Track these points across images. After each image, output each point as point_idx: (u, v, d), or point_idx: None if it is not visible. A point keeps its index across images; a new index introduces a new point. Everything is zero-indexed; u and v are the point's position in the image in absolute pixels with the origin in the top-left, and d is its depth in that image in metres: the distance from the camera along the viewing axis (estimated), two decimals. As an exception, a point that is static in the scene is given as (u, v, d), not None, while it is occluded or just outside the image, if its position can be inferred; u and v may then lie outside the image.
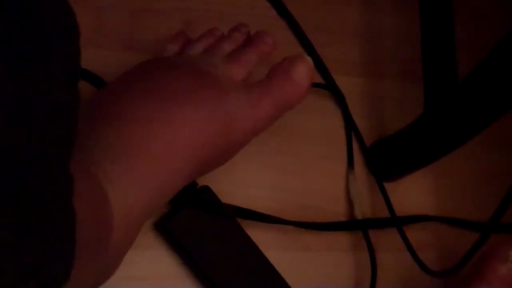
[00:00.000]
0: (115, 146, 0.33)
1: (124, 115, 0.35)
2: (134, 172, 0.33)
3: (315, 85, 0.51)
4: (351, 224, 0.48)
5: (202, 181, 0.45)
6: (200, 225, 0.43)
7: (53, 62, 0.22)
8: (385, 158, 0.50)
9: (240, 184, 0.47)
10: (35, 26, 0.21)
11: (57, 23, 0.23)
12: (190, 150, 0.36)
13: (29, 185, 0.20)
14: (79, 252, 0.22)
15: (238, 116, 0.38)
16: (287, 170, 0.49)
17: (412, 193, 0.51)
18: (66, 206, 0.22)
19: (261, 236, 0.45)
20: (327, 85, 0.51)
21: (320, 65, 0.52)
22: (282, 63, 0.41)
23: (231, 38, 0.43)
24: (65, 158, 0.22)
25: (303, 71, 0.41)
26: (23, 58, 0.20)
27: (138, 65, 0.40)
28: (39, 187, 0.20)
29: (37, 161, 0.20)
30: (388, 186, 0.50)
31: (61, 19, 0.23)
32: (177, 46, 0.43)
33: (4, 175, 0.19)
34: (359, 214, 0.49)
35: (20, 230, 0.19)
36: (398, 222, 0.48)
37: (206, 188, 0.44)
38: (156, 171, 0.34)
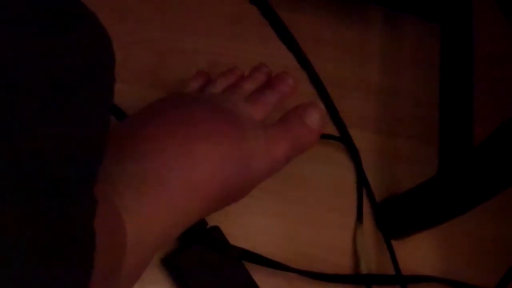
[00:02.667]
0: (134, 176, 0.33)
1: (144, 146, 0.36)
2: (149, 202, 0.33)
3: (330, 137, 0.51)
4: (356, 278, 0.48)
5: (212, 222, 0.45)
6: (207, 264, 0.43)
7: (91, 87, 0.23)
8: (395, 216, 0.50)
9: (249, 228, 0.47)
10: (77, 57, 0.22)
11: (96, 53, 0.24)
12: (207, 185, 0.36)
13: (56, 202, 0.20)
14: (92, 278, 0.23)
15: (256, 154, 0.39)
16: (296, 219, 0.49)
17: (419, 252, 0.51)
18: (88, 228, 0.22)
19: (266, 282, 0.45)
20: (342, 138, 0.52)
21: (336, 118, 0.53)
22: (296, 109, 0.43)
23: (252, 78, 0.45)
24: (92, 179, 0.22)
25: (316, 117, 0.43)
26: (63, 82, 0.21)
27: (160, 99, 0.41)
28: (65, 205, 0.20)
29: (66, 179, 0.20)
30: (395, 243, 0.50)
31: (100, 49, 0.24)
32: (199, 83, 0.44)
33: (33, 189, 0.19)
34: (364, 269, 0.48)
35: (41, 247, 0.19)
36: (403, 281, 0.48)
37: (216, 229, 0.44)
38: (171, 203, 0.34)
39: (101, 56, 0.24)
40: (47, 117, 0.20)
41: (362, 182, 0.51)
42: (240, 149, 0.38)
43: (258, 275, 0.45)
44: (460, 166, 0.44)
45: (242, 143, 0.38)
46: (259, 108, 0.42)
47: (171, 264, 0.43)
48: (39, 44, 0.21)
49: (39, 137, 0.20)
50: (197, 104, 0.40)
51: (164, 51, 0.51)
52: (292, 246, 0.48)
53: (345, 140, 0.52)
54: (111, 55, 0.24)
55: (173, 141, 0.36)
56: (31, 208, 0.19)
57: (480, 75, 0.50)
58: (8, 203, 0.18)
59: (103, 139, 0.23)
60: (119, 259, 0.30)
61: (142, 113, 0.39)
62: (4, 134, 0.18)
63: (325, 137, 0.51)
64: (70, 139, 0.21)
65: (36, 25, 0.21)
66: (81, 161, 0.22)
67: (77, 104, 0.22)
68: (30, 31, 0.20)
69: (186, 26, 0.52)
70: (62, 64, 0.21)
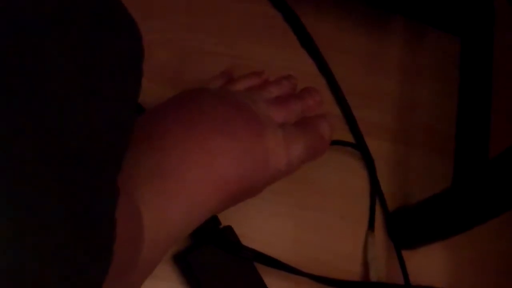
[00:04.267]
0: (151, 169, 0.34)
1: (162, 139, 0.36)
2: (166, 196, 0.33)
3: (346, 143, 0.52)
4: (365, 286, 0.49)
5: (225, 222, 0.45)
6: (218, 263, 0.43)
7: (119, 79, 0.23)
8: (406, 226, 0.51)
9: (261, 230, 0.48)
10: (108, 47, 0.23)
11: (127, 45, 0.24)
12: (224, 180, 0.37)
13: (80, 190, 0.20)
14: (110, 269, 0.23)
15: (274, 151, 0.39)
16: (309, 224, 0.49)
17: (429, 263, 0.51)
18: (110, 219, 0.22)
19: (276, 284, 0.45)
20: (358, 146, 0.52)
21: (353, 126, 0.53)
22: (309, 118, 0.44)
23: (278, 84, 0.45)
24: (116, 169, 0.23)
25: (328, 127, 0.44)
26: (93, 71, 0.22)
27: (181, 93, 0.41)
28: (89, 193, 0.21)
29: (91, 167, 0.21)
30: (405, 253, 0.50)
31: (131, 42, 0.25)
32: (221, 81, 0.45)
33: (59, 175, 0.19)
34: (374, 277, 0.49)
35: (63, 234, 0.20)
36: (412, 291, 0.48)
37: (229, 228, 0.45)
38: (188, 197, 0.35)
39: (132, 48, 0.24)
40: (76, 105, 0.21)
41: (375, 190, 0.52)
42: (258, 145, 0.38)
43: (269, 277, 0.45)
44: (474, 179, 0.45)
45: (261, 140, 0.39)
46: (280, 112, 0.42)
47: (182, 261, 0.43)
48: (71, 34, 0.21)
49: (67, 125, 0.20)
50: (217, 99, 0.40)
51: (186, 51, 0.51)
52: (303, 250, 0.48)
53: (361, 148, 0.52)
54: (141, 48, 0.25)
55: (191, 135, 0.36)
56: (55, 192, 0.19)
57: (498, 89, 0.51)
58: (34, 186, 0.19)
59: (129, 129, 0.24)
60: (136, 252, 0.30)
61: (162, 106, 0.40)
62: (34, 121, 0.19)
63: (340, 143, 0.51)
64: (97, 128, 0.21)
65: (67, 17, 0.21)
66: (107, 150, 0.22)
67: (106, 94, 0.22)
68: (61, 23, 0.21)
69: (208, 28, 0.53)
70: (93, 52, 0.22)
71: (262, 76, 0.46)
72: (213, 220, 0.45)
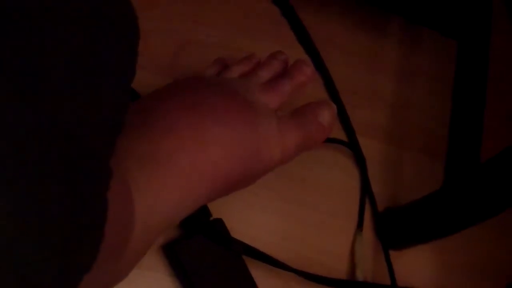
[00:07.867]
0: (145, 154, 0.34)
1: (158, 124, 0.36)
2: (159, 181, 0.33)
3: (338, 141, 0.52)
4: (351, 284, 0.49)
5: (216, 214, 0.45)
6: (207, 255, 0.43)
7: (114, 59, 0.23)
8: (395, 227, 0.51)
9: (251, 224, 0.48)
10: (105, 38, 0.23)
11: (123, 30, 0.24)
12: (217, 168, 0.36)
13: (73, 169, 0.20)
14: (100, 252, 0.23)
15: (268, 141, 0.39)
16: (298, 220, 0.49)
17: (416, 265, 0.51)
18: (102, 198, 0.22)
19: (263, 278, 0.45)
20: (350, 144, 0.52)
21: (346, 124, 0.53)
22: (309, 105, 0.43)
23: (269, 65, 0.44)
24: (110, 150, 0.23)
25: (328, 115, 0.43)
26: (89, 49, 0.21)
27: (177, 80, 0.41)
28: (82, 173, 0.21)
29: (86, 147, 0.21)
30: (393, 253, 0.50)
31: (126, 22, 0.24)
32: (216, 69, 0.45)
33: (53, 154, 0.19)
34: (360, 276, 0.49)
35: (55, 213, 0.19)
36: (398, 291, 0.48)
37: (219, 221, 0.45)
38: (181, 184, 0.34)
39: (127, 28, 0.24)
40: (70, 86, 0.20)
41: (365, 190, 0.52)
42: (252, 135, 0.38)
43: (256, 270, 0.45)
44: (465, 183, 0.45)
45: (255, 129, 0.38)
46: (274, 96, 0.42)
47: (171, 251, 0.43)
48: (69, 14, 0.21)
49: (61, 106, 0.20)
50: (212, 88, 0.40)
51: (181, 41, 0.51)
52: (291, 246, 0.48)
53: (353, 147, 0.52)
54: (136, 28, 0.25)
55: (186, 123, 0.36)
56: (49, 170, 0.19)
57: (492, 92, 0.51)
58: (30, 164, 0.18)
59: (122, 112, 0.24)
60: (126, 236, 0.30)
61: (157, 93, 0.40)
62: (29, 100, 0.19)
63: (333, 141, 0.51)
64: (91, 109, 0.21)
65: None
66: (100, 132, 0.22)
67: (100, 74, 0.22)
68: (57, 3, 0.21)
69: (205, 20, 0.53)
70: (88, 33, 0.22)
71: (254, 60, 0.45)
72: (204, 212, 0.44)
